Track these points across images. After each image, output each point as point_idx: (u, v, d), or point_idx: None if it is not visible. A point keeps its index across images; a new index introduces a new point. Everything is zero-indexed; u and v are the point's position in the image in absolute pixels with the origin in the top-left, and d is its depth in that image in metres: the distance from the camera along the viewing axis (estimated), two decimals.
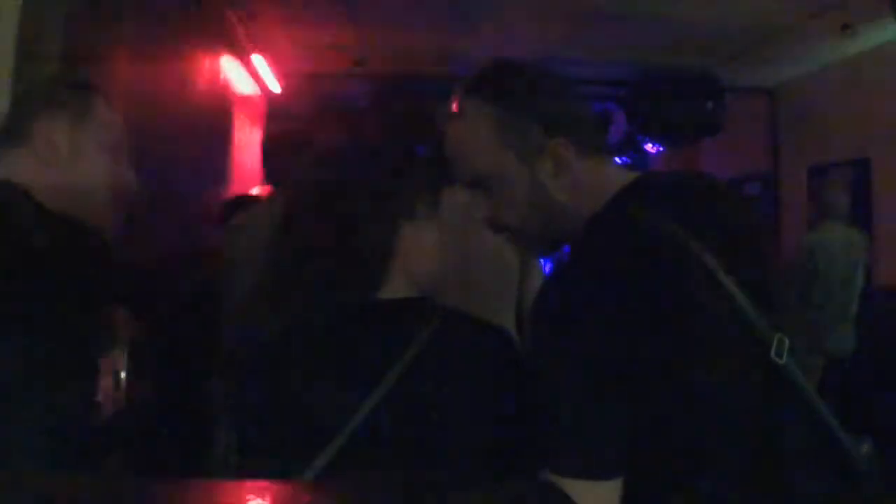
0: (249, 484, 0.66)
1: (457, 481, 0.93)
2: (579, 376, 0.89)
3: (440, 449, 0.95)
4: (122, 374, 1.84)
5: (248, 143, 5.20)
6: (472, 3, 4.13)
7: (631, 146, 7.30)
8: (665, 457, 1.00)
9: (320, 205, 1.04)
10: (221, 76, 4.36)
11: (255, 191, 4.70)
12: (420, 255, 1.05)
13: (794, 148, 5.56)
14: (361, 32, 4.65)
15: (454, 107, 1.13)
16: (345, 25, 4.47)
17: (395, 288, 1.03)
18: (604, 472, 0.88)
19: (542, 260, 2.98)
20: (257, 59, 4.97)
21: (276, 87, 5.61)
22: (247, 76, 5.15)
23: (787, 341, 0.96)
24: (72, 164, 1.26)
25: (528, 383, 0.94)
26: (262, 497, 0.61)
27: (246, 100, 5.19)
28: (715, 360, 0.97)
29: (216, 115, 4.36)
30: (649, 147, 6.82)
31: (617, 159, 1.07)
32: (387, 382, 0.93)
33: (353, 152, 1.10)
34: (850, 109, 4.83)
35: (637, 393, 0.91)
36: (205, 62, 4.04)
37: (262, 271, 1.09)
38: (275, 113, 5.98)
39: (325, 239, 1.02)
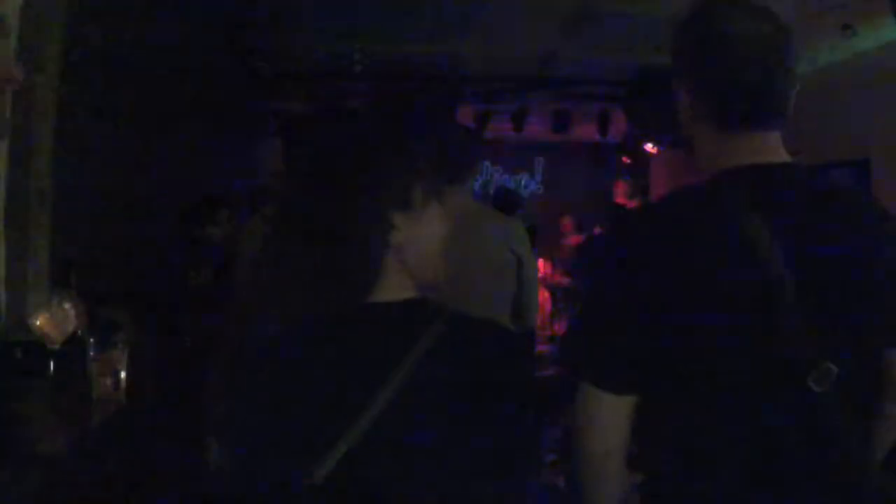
0: None
1: (457, 482, 0.92)
2: (620, 302, 1.04)
3: (444, 452, 0.93)
4: (122, 374, 1.85)
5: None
6: (473, 2, 4.13)
7: (631, 146, 7.31)
8: (668, 452, 1.04)
9: (310, 196, 0.99)
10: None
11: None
12: (416, 248, 1.00)
13: (794, 148, 5.55)
14: (362, 32, 4.65)
15: None
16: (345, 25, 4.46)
17: (394, 286, 0.99)
18: (619, 388, 1.03)
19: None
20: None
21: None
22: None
23: (833, 371, 0.94)
24: None
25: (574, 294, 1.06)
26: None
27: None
28: (733, 370, 0.98)
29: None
30: (649, 147, 6.83)
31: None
32: (391, 386, 0.91)
33: (345, 141, 1.04)
34: (850, 109, 4.82)
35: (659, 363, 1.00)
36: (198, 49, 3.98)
37: (255, 270, 1.06)
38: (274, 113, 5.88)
39: (315, 234, 0.97)
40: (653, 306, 0.99)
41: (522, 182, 8.79)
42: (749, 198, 1.00)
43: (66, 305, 1.86)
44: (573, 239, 7.14)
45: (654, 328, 0.99)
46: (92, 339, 1.82)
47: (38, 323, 1.82)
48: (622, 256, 1.07)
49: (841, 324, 0.99)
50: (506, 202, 4.76)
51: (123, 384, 1.84)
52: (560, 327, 6.28)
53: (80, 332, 1.89)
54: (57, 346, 1.83)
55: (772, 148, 1.08)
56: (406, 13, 4.31)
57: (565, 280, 6.53)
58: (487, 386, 0.95)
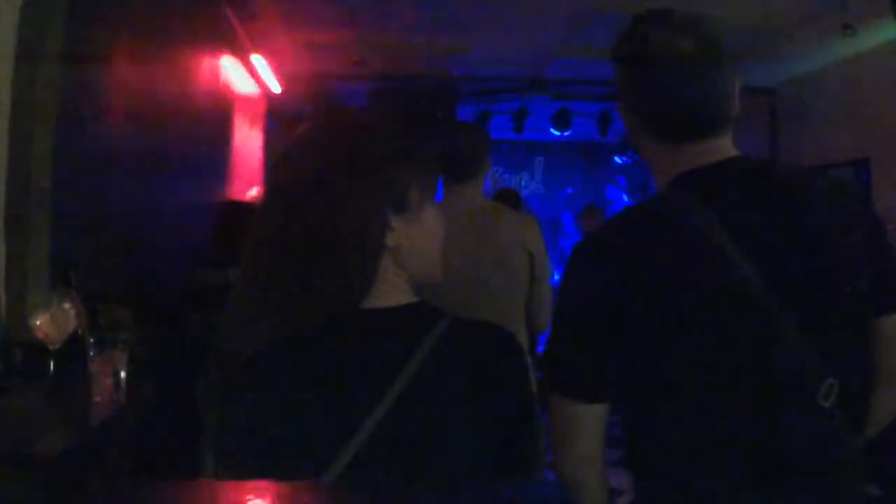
0: (250, 484, 0.66)
1: (457, 485, 0.91)
2: (583, 314, 1.08)
3: (446, 456, 0.92)
4: (122, 374, 1.84)
5: (247, 143, 5.20)
6: (473, 3, 4.13)
7: (631, 146, 7.30)
8: (653, 454, 1.07)
9: (304, 197, 0.94)
10: (221, 76, 4.36)
11: (253, 192, 4.69)
12: (413, 250, 0.97)
13: (794, 148, 5.56)
14: (362, 33, 4.64)
15: None
16: (345, 25, 4.46)
17: (391, 289, 0.96)
18: (588, 397, 1.08)
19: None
20: (257, 59, 4.96)
21: (276, 88, 5.60)
22: (247, 76, 5.15)
23: (835, 386, 0.94)
24: None
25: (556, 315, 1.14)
26: (262, 497, 0.60)
27: (246, 100, 5.19)
28: (701, 373, 1.00)
29: (216, 115, 4.37)
30: None
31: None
32: (392, 392, 0.89)
33: (341, 142, 0.99)
34: (850, 109, 4.82)
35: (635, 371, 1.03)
36: (205, 62, 4.04)
37: (247, 273, 0.98)
38: (275, 113, 5.99)
39: (310, 236, 0.92)
40: (617, 317, 1.02)
41: (522, 182, 8.79)
42: (702, 197, 1.02)
43: (66, 305, 1.86)
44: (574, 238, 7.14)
45: (617, 339, 1.03)
46: (92, 339, 1.82)
47: (38, 323, 1.82)
48: (586, 267, 1.10)
49: (810, 301, 0.99)
50: (505, 202, 4.76)
51: (123, 384, 1.83)
52: None
53: (80, 332, 1.89)
54: (57, 346, 1.83)
55: (722, 150, 1.10)
56: (407, 12, 4.31)
57: None
58: (488, 388, 0.94)
